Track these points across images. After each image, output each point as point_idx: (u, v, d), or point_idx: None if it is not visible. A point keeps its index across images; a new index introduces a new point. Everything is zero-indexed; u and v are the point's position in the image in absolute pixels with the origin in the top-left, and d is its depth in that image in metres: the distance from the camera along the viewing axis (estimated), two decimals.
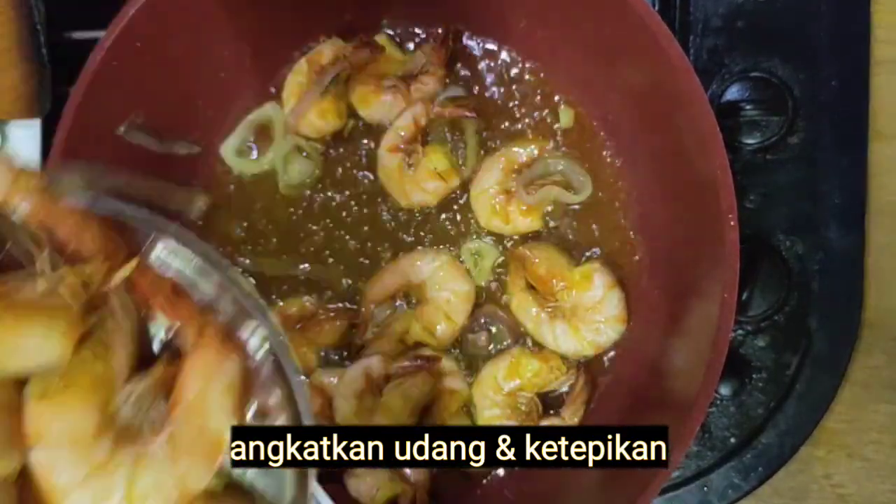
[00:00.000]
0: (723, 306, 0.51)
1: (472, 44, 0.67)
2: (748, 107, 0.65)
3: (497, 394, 0.63)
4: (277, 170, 0.68)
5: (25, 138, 0.68)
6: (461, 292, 0.64)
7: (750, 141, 0.65)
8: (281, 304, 0.66)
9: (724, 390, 0.65)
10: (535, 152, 0.65)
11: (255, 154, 0.69)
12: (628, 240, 0.65)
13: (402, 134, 0.65)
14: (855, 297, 0.64)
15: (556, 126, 0.66)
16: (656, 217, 0.62)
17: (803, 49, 0.65)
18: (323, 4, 0.65)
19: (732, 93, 0.66)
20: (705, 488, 0.65)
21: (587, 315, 0.62)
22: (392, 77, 0.65)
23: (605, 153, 0.65)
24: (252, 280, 0.68)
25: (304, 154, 0.68)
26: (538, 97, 0.66)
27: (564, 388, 0.64)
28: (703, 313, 0.53)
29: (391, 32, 0.68)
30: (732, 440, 0.65)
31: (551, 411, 0.64)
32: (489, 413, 0.63)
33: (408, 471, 0.63)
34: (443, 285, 0.64)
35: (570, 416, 0.63)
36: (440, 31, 0.66)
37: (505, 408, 0.63)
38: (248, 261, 0.68)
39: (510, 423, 0.63)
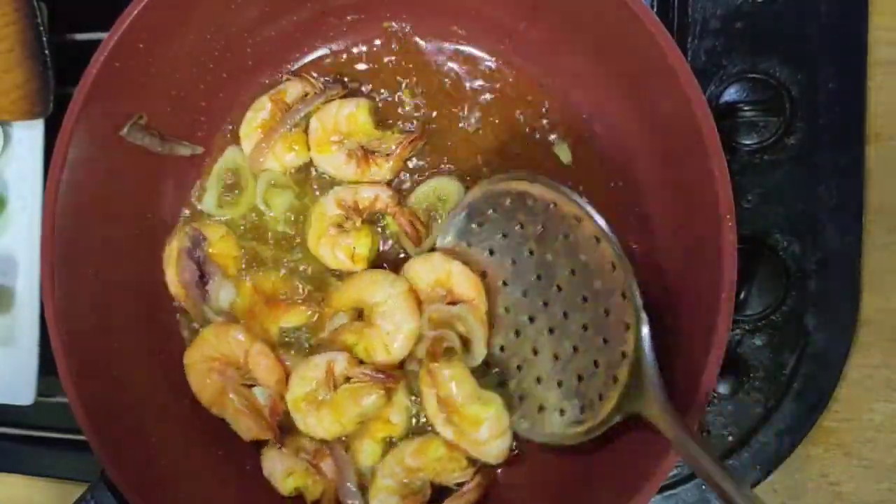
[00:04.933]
0: (721, 306, 0.52)
1: (472, 49, 0.67)
2: (746, 108, 0.66)
3: (398, 465, 0.63)
4: (260, 208, 0.68)
5: (28, 138, 0.69)
6: (405, 329, 0.63)
7: (748, 142, 0.66)
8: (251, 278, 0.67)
9: (722, 389, 0.66)
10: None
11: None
12: (627, 239, 0.65)
13: (354, 200, 0.65)
14: (852, 296, 0.65)
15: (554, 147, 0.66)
16: (655, 217, 0.63)
17: (801, 50, 0.65)
18: (325, 3, 0.66)
19: (730, 94, 0.66)
20: (703, 487, 0.66)
21: (472, 436, 0.61)
22: (355, 141, 0.66)
23: (605, 154, 0.65)
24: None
25: (281, 186, 0.68)
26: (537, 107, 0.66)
27: (456, 482, 0.63)
28: (702, 313, 0.53)
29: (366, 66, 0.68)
30: (730, 439, 0.66)
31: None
32: (384, 482, 0.63)
33: (324, 467, 0.64)
34: (390, 316, 0.63)
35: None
36: (417, 126, 0.67)
37: (399, 482, 0.63)
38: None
39: (394, 497, 0.62)
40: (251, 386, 0.66)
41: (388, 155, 0.65)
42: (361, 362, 0.64)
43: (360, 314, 0.65)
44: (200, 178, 0.69)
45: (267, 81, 0.69)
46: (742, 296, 0.65)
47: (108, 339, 0.62)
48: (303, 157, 0.67)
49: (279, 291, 0.67)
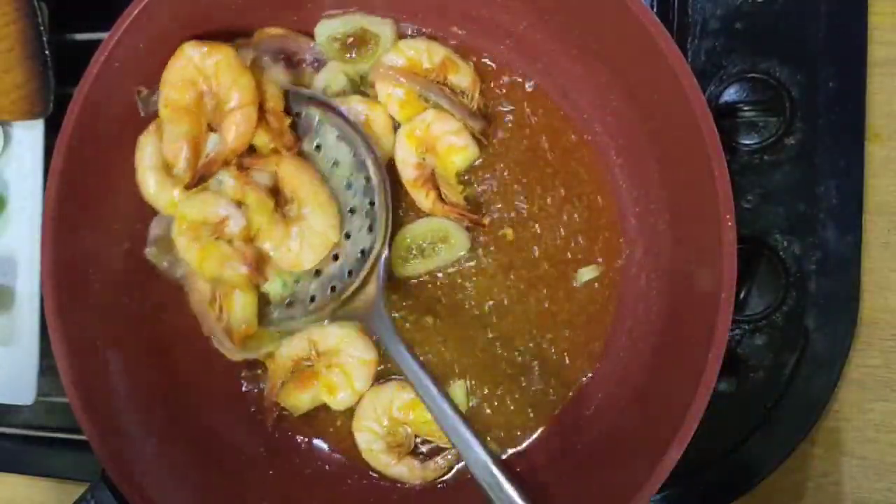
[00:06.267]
0: (720, 306, 0.52)
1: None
2: (746, 108, 0.66)
3: (384, 414, 0.65)
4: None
5: (28, 139, 0.69)
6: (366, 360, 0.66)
7: (747, 142, 0.66)
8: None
9: (722, 389, 0.66)
10: None
11: None
12: (627, 240, 0.65)
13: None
14: (851, 296, 0.65)
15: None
16: (655, 217, 0.63)
17: (801, 51, 0.65)
18: (325, 4, 0.66)
19: (730, 94, 0.66)
20: (703, 486, 0.66)
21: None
22: (433, 161, 0.65)
23: (606, 154, 0.65)
24: None
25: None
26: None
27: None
28: (701, 313, 0.54)
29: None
30: (730, 438, 0.66)
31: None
32: (368, 424, 0.66)
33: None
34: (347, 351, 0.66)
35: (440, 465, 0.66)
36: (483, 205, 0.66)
37: (383, 428, 0.65)
38: None
39: (380, 442, 0.66)
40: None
41: (442, 200, 0.65)
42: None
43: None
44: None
45: None
46: (742, 296, 0.65)
47: (109, 338, 0.63)
48: (400, 118, 0.66)
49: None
